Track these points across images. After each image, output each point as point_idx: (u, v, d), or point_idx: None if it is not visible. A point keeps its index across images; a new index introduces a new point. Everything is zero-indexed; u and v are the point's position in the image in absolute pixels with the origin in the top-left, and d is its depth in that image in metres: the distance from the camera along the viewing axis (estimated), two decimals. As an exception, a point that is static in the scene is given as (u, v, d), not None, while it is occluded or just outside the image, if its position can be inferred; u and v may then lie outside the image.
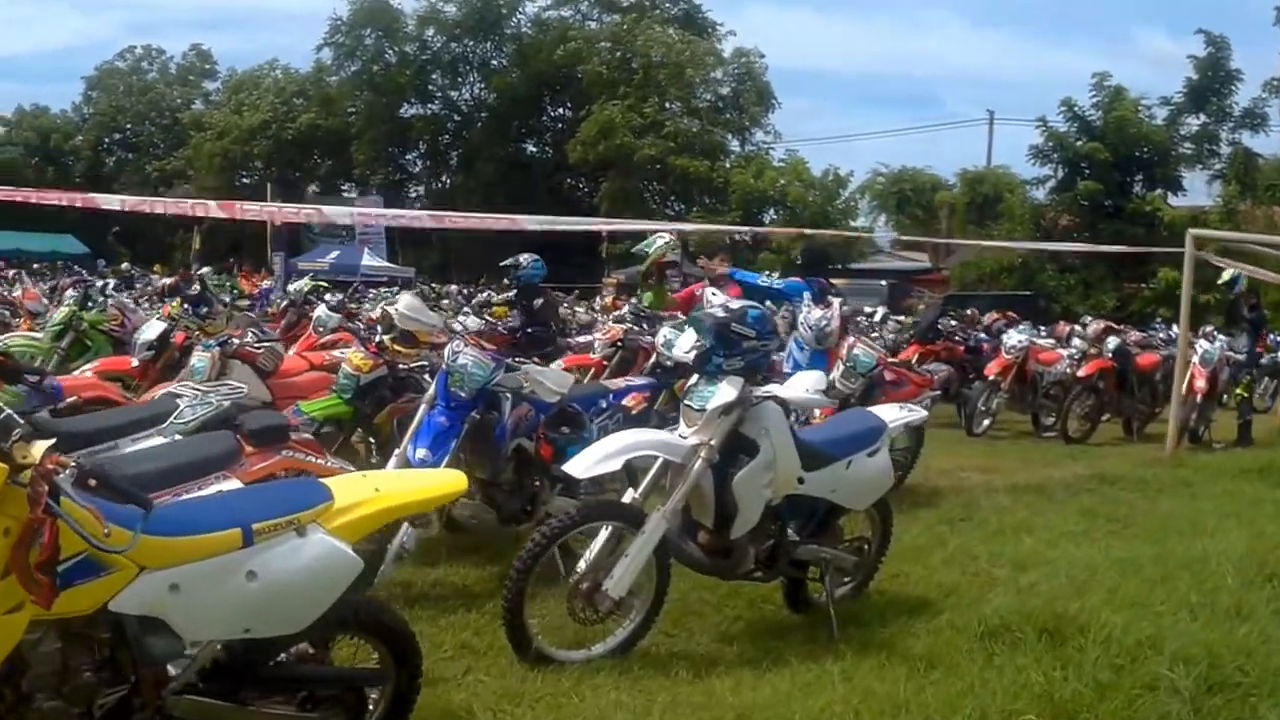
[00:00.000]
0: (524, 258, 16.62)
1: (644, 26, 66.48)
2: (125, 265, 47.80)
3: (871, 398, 12.75)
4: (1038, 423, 21.07)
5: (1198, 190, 51.52)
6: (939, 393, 15.16)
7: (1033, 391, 20.86)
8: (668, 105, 65.22)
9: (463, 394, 9.20)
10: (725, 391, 7.60)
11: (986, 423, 20.28)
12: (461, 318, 18.95)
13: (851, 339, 13.43)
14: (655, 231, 16.44)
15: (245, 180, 76.84)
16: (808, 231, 47.25)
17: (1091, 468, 16.32)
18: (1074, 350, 21.39)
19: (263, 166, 78.07)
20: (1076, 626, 7.70)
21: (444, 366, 9.44)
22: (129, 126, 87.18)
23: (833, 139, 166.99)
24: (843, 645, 7.83)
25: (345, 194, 75.06)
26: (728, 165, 62.80)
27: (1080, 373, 20.46)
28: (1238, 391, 20.79)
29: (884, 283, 43.57)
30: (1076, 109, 50.21)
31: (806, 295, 14.26)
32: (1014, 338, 20.71)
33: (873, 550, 9.15)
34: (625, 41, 66.76)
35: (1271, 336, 27.87)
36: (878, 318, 25.09)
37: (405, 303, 11.23)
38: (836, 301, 14.33)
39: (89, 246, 63.35)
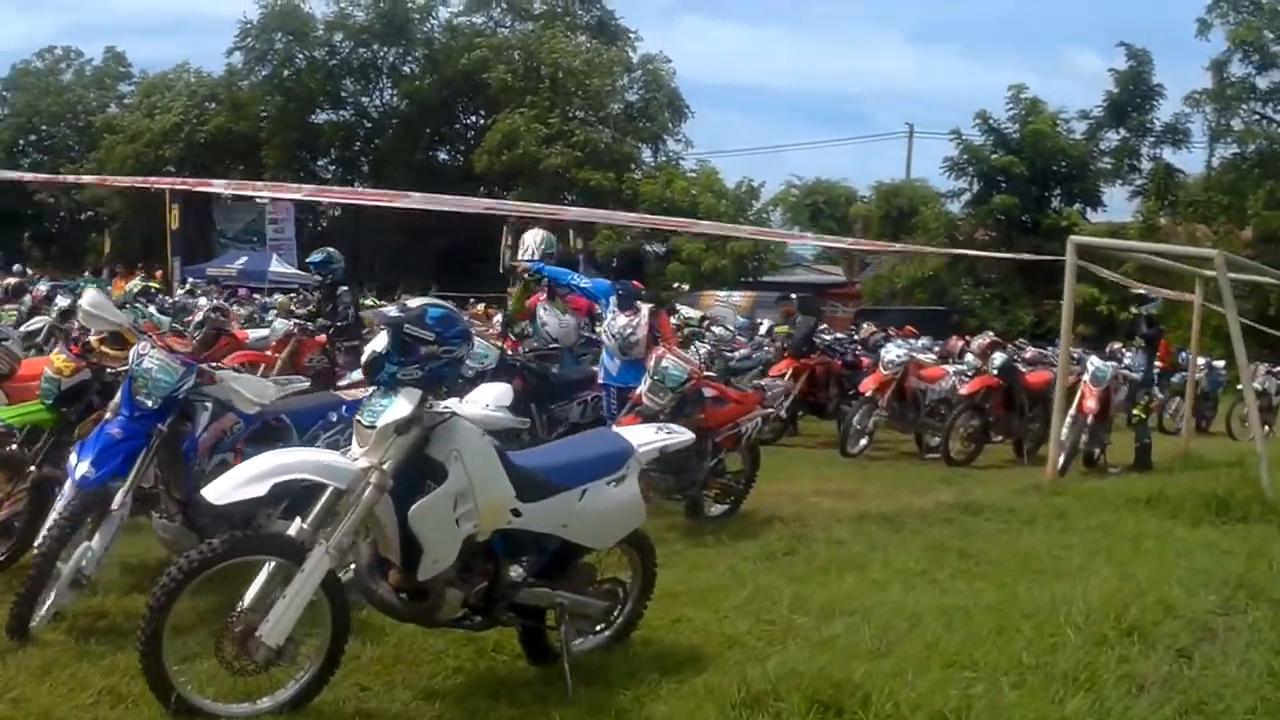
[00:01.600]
0: (332, 252, 16.67)
1: (552, 34, 65.78)
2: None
3: (683, 415, 11.28)
4: (921, 443, 19.62)
5: (1119, 206, 51.54)
6: (770, 410, 13.51)
7: (914, 410, 19.30)
8: (575, 114, 64.46)
9: (148, 403, 7.95)
10: (399, 406, 6.39)
11: (863, 442, 18.73)
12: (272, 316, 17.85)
13: (660, 349, 11.80)
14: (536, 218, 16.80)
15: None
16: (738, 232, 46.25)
17: (964, 494, 14.76)
18: (965, 366, 19.85)
19: (174, 170, 76.20)
20: (859, 696, 6.41)
21: (129, 371, 8.14)
22: (44, 128, 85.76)
23: (747, 150, 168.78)
24: (575, 707, 6.65)
25: (259, 198, 74.81)
26: (637, 176, 62.18)
27: (963, 390, 19.00)
28: (1135, 412, 19.18)
29: (793, 296, 41.77)
30: (992, 122, 50.01)
31: (612, 300, 12.99)
32: (892, 352, 19.13)
33: (631, 594, 7.78)
34: (534, 49, 65.92)
35: (1182, 354, 26.51)
36: (763, 330, 23.60)
37: (89, 298, 9.65)
38: (646, 308, 12.84)
39: None
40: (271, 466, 6.29)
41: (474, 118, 73.60)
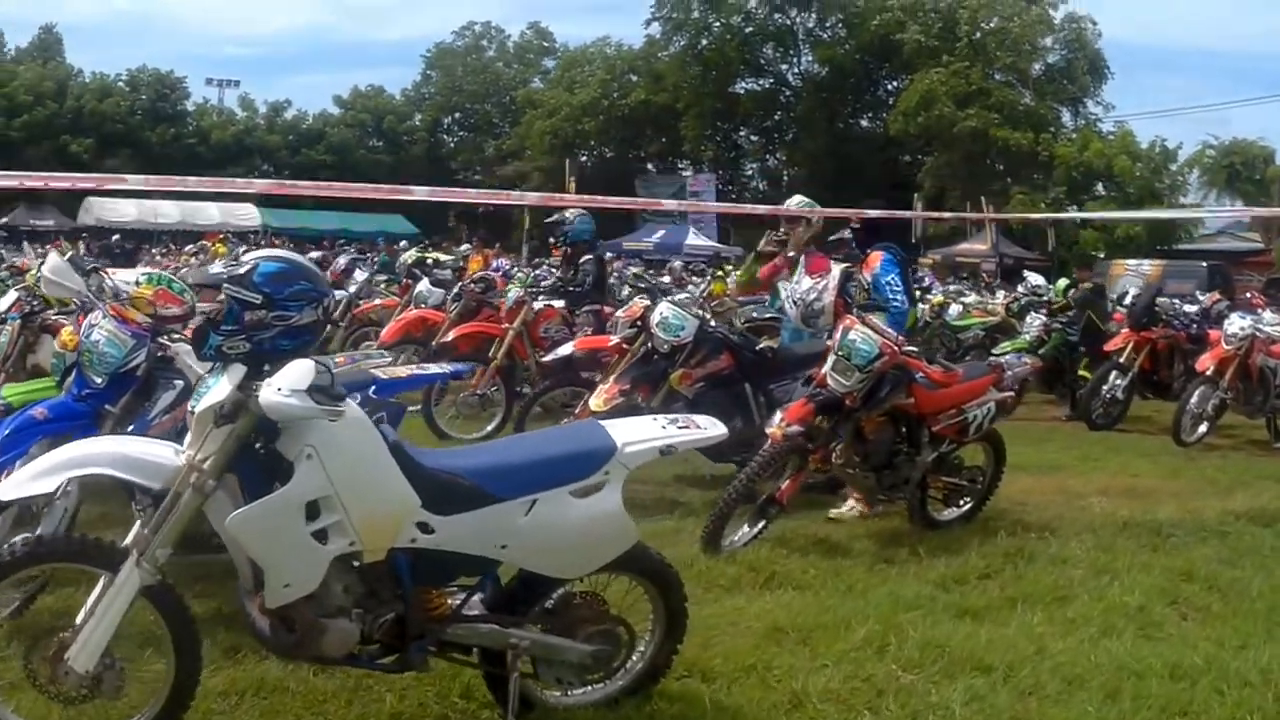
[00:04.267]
0: (570, 213, 15.46)
1: (975, -10, 62.86)
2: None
3: (879, 400, 9.57)
4: (1274, 430, 16.84)
5: None
6: (1008, 394, 11.22)
7: (1263, 392, 16.60)
8: (994, 75, 62.18)
9: (96, 379, 7.36)
10: (219, 388, 5.14)
11: (1202, 429, 16.10)
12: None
13: (850, 319, 9.75)
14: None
15: (582, 158, 76.23)
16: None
17: (1276, 498, 12.17)
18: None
19: (594, 144, 77.14)
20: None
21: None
22: (467, 106, 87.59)
23: (1159, 113, 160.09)
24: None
25: (681, 171, 75.20)
26: (1054, 138, 59.21)
27: (1309, 371, 16.17)
28: None
29: (1204, 264, 40.36)
30: None
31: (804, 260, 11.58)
32: (1235, 324, 16.44)
33: (648, 638, 6.16)
34: (952, 8, 63.47)
35: None
36: (1127, 299, 21.22)
37: (49, 264, 8.72)
38: (838, 268, 11.23)
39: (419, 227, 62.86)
40: (67, 459, 5.23)
41: (893, 84, 71.32)
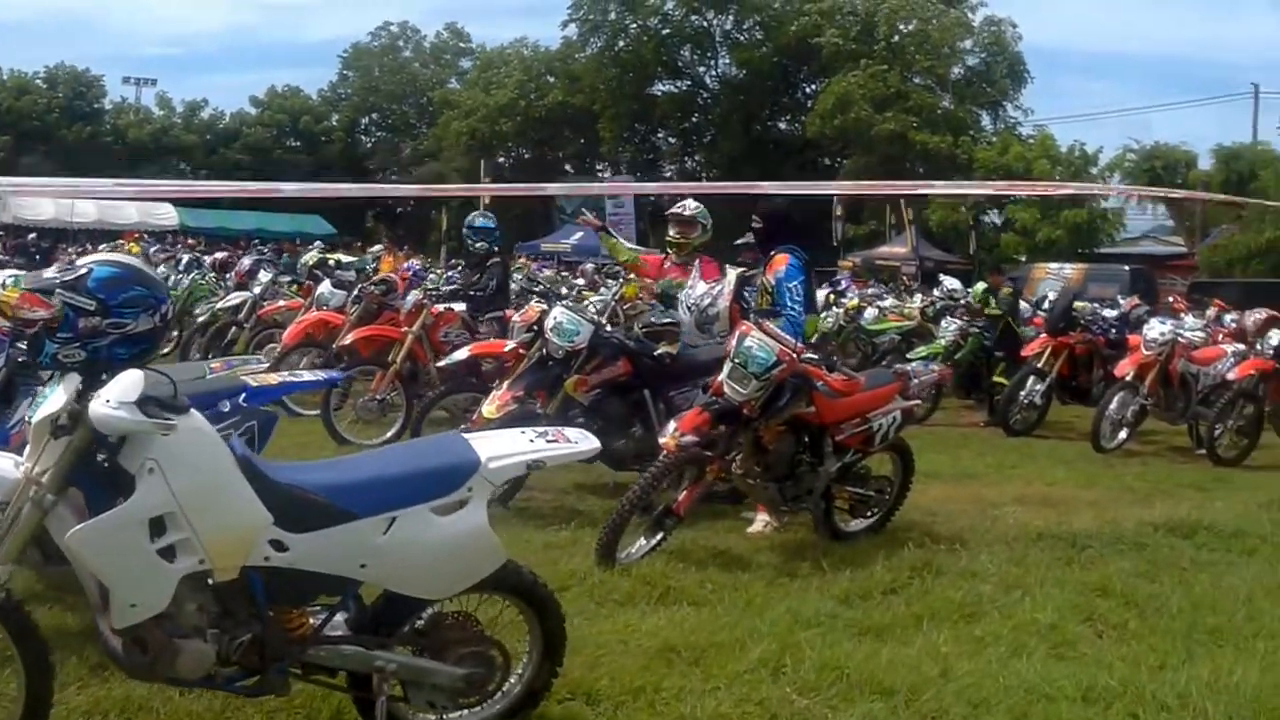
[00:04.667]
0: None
1: (889, -4, 63.08)
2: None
3: (779, 409, 9.14)
4: (1197, 437, 16.37)
5: None
6: (915, 403, 10.73)
7: (1185, 398, 16.38)
8: (913, 78, 62.41)
9: None
10: (55, 398, 4.82)
11: (1122, 435, 15.90)
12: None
13: (746, 325, 9.35)
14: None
15: (499, 159, 76.25)
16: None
17: (1200, 507, 11.83)
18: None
19: (512, 145, 77.15)
20: None
21: None
22: (384, 106, 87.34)
23: (1080, 117, 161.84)
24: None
25: (599, 173, 75.12)
26: (973, 142, 59.54)
27: (1230, 375, 15.92)
28: None
29: (1126, 268, 40.31)
30: None
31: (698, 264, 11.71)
32: (1155, 329, 16.22)
33: (530, 660, 5.84)
34: (870, 11, 63.54)
35: None
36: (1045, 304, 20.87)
37: None
38: (734, 272, 11.34)
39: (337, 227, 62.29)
40: None
41: (811, 87, 71.03)
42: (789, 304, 10.03)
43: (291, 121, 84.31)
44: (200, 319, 19.85)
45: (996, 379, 18.45)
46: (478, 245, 15.58)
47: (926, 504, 11.12)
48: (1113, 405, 15.79)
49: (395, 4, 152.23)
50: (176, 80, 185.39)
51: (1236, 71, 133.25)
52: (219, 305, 19.92)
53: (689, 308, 11.42)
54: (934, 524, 10.55)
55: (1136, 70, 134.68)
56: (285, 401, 12.53)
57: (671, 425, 9.11)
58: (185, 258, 28.67)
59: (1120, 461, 15.27)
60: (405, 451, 6.28)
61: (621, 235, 46.24)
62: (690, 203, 12.35)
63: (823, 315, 19.70)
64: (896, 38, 62.39)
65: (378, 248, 29.98)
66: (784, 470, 9.41)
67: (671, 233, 12.18)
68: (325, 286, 17.42)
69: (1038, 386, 17.32)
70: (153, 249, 35.48)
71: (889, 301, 25.11)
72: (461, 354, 12.67)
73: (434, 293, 15.19)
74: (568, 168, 78.64)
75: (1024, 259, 49.03)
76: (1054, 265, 43.05)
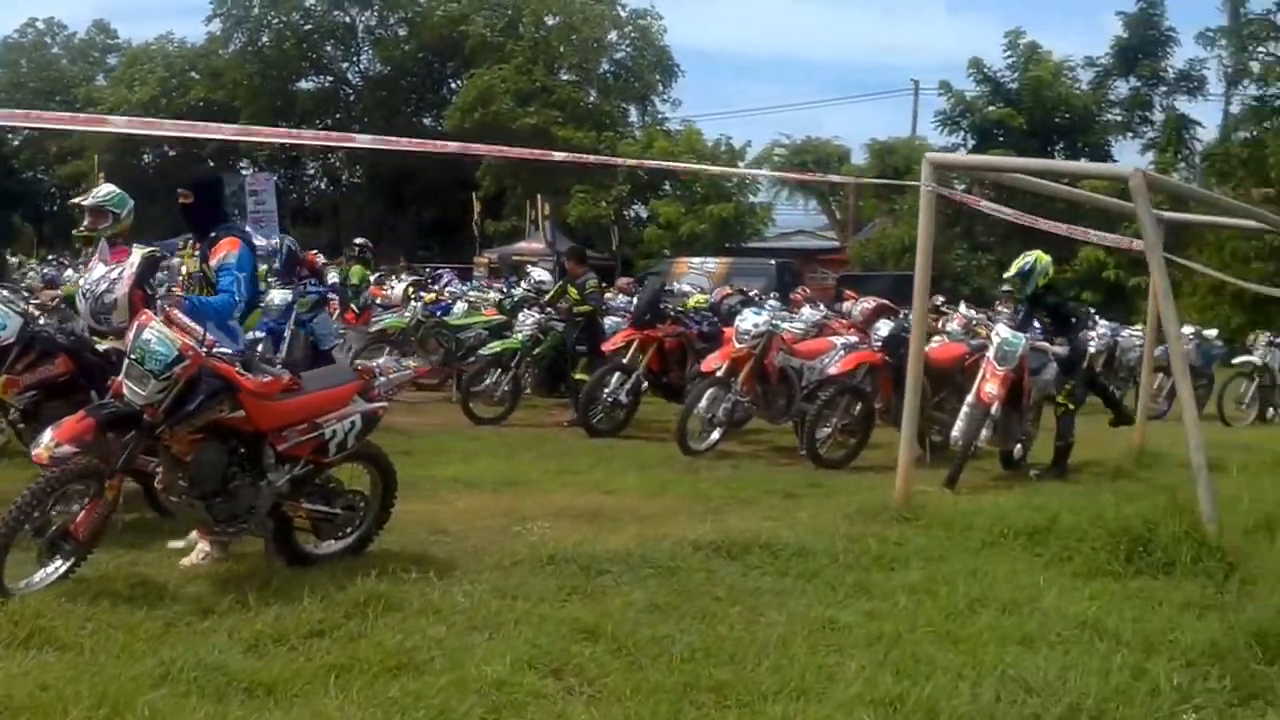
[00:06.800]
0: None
1: (536, -14, 62.60)
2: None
3: (191, 413, 7.33)
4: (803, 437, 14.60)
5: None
6: (379, 405, 8.89)
7: (786, 394, 14.78)
8: (559, 73, 62.27)
9: None
10: None
11: (713, 436, 14.49)
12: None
13: (146, 315, 7.52)
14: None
15: (145, 158, 74.64)
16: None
17: (771, 519, 10.23)
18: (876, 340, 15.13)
19: (157, 143, 74.59)
20: None
21: None
22: (31, 103, 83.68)
23: (736, 113, 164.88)
24: None
25: (240, 170, 72.79)
26: (618, 137, 58.97)
27: (833, 370, 14.49)
28: (1059, 400, 14.02)
29: (772, 262, 40.98)
30: (987, 70, 46.41)
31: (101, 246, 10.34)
32: (747, 320, 14.66)
33: None
34: (516, 3, 62.86)
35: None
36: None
37: None
38: (139, 253, 9.94)
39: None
40: None
41: (456, 82, 70.09)
42: (227, 285, 8.58)
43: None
44: None
45: (578, 376, 16.72)
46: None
47: (445, 517, 9.73)
48: (702, 403, 14.35)
49: (51, 2, 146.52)
50: None
51: (904, 74, 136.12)
52: None
53: (84, 294, 10.02)
54: (430, 545, 8.90)
55: (802, 73, 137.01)
56: None
57: (47, 434, 7.31)
58: None
59: (709, 465, 13.85)
60: None
61: (263, 231, 44.17)
62: (106, 186, 11.03)
63: (403, 313, 19.29)
64: (542, 31, 61.85)
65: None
66: (214, 486, 7.67)
67: (85, 224, 10.72)
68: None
69: (623, 383, 15.99)
70: None
71: (475, 295, 24.16)
72: None
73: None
74: (210, 163, 76.18)
75: (668, 252, 48.83)
76: (697, 260, 42.50)
